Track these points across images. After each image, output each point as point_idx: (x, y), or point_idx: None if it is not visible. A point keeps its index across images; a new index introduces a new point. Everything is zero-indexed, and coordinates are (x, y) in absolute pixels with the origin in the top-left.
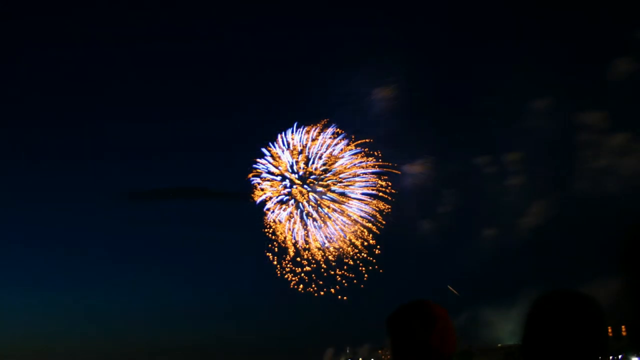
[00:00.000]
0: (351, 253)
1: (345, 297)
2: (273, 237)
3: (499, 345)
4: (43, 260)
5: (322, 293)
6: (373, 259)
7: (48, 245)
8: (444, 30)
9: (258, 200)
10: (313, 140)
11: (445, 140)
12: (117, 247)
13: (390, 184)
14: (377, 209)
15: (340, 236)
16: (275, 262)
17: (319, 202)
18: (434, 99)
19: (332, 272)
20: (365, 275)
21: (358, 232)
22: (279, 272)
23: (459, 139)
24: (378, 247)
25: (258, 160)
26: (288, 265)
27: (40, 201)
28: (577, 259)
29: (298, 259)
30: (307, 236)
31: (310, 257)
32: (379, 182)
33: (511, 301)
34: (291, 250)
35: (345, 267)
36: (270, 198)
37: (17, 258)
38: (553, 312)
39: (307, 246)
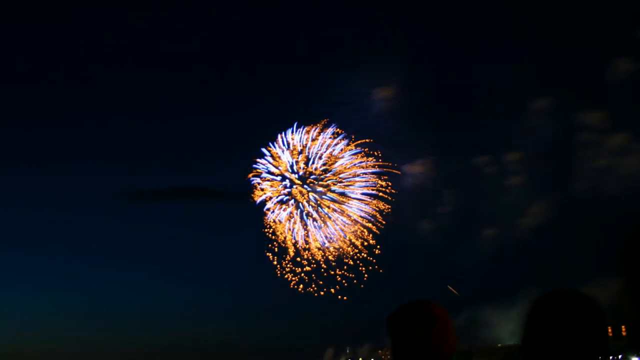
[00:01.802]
0: (351, 253)
1: (345, 297)
2: (273, 237)
3: (499, 345)
4: (43, 260)
5: (322, 293)
6: (373, 259)
7: (48, 245)
8: (444, 31)
9: (258, 200)
10: (313, 140)
11: (445, 140)
12: (117, 247)
13: (390, 184)
14: (377, 209)
15: (340, 236)
16: (275, 262)
17: (319, 202)
18: (434, 99)
19: (332, 272)
20: (365, 275)
21: (358, 232)
22: (279, 272)
23: (459, 139)
24: (378, 247)
25: (258, 160)
26: (288, 265)
27: (41, 201)
28: (577, 259)
29: (298, 259)
30: (307, 236)
31: (310, 257)
32: (379, 182)
33: (511, 301)
34: (291, 250)
35: (345, 267)
36: (270, 198)
37: (17, 258)
38: (553, 312)
39: (307, 246)
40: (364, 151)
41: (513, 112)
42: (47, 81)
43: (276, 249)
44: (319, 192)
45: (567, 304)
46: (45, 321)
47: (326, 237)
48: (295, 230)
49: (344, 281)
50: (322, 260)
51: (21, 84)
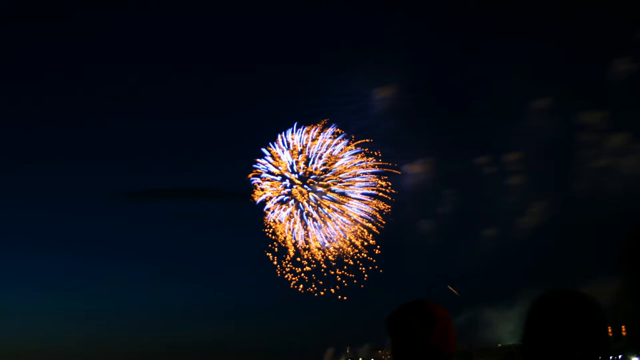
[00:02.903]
0: (351, 253)
1: (345, 297)
2: (273, 237)
3: (499, 345)
4: (43, 260)
5: (322, 293)
6: (373, 259)
7: (48, 245)
8: (443, 31)
9: (258, 200)
10: (313, 140)
11: (445, 140)
12: (117, 247)
13: (390, 184)
14: (377, 209)
15: (340, 236)
16: (275, 262)
17: (319, 202)
18: (434, 99)
19: (332, 272)
20: (365, 276)
21: (358, 232)
22: (279, 272)
23: (459, 138)
24: (378, 247)
25: (258, 160)
26: (288, 265)
27: (41, 201)
28: (577, 258)
29: (298, 259)
30: (307, 236)
31: (310, 257)
32: (379, 182)
33: (511, 301)
34: (291, 250)
35: (345, 267)
36: (270, 198)
37: (17, 257)
38: (553, 312)
39: (307, 246)
40: (364, 151)
41: (513, 112)
42: (48, 81)
43: (276, 249)
44: (319, 192)
45: (567, 304)
46: (45, 321)
47: (326, 237)
48: (295, 230)
49: (344, 281)
50: (322, 260)
51: (21, 84)
